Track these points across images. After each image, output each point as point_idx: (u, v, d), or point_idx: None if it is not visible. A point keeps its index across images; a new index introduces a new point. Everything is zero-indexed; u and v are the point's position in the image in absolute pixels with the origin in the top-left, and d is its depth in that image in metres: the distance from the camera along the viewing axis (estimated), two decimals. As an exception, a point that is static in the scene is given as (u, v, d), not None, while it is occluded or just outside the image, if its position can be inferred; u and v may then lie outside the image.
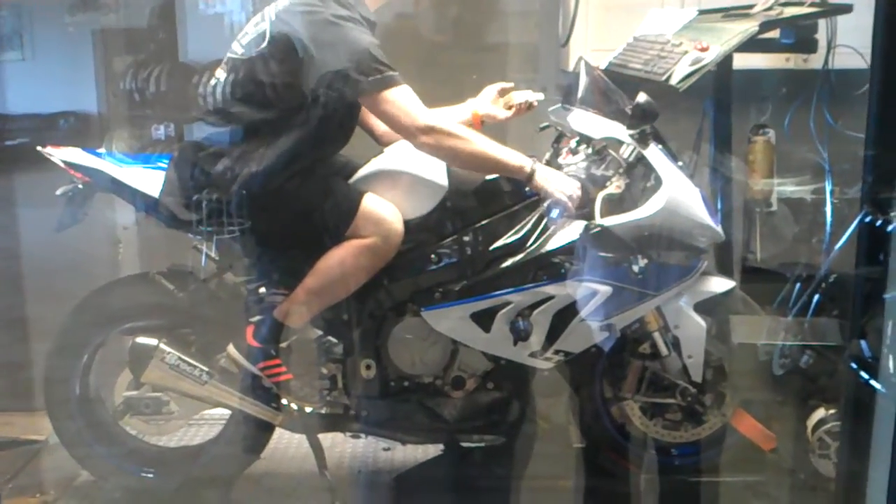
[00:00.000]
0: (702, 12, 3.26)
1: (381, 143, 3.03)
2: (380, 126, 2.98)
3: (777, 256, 3.71)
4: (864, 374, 3.02)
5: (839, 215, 3.36)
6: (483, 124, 2.99)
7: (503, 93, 3.02)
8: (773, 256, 3.74)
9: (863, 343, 3.14)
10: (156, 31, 4.31)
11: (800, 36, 3.19)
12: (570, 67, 3.70)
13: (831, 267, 3.29)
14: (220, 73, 2.82)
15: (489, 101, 3.01)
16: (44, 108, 4.15)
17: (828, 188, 3.29)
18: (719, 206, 3.28)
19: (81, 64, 4.20)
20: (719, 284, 2.88)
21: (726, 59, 3.05)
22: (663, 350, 2.89)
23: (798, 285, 3.32)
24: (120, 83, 4.18)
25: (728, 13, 3.20)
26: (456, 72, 3.96)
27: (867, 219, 3.43)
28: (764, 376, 3.00)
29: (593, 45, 3.61)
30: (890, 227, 3.35)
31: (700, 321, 2.86)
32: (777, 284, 3.34)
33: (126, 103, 4.19)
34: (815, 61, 3.46)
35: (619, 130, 2.72)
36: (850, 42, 3.16)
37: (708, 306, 2.88)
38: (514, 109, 2.99)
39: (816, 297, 3.29)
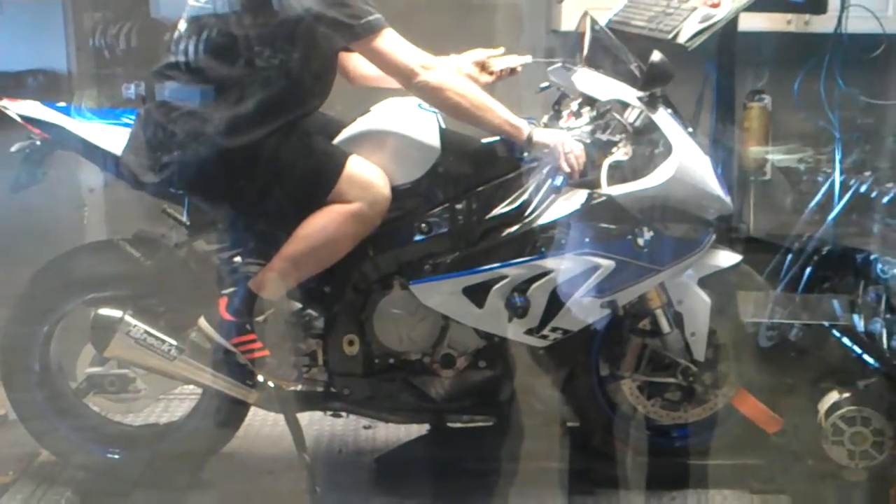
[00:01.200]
0: (710, -35, 2.95)
1: (354, 84, 2.74)
2: (356, 67, 2.70)
3: (771, 226, 3.47)
4: (856, 349, 2.80)
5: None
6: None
7: (488, 58, 2.72)
8: (766, 226, 3.51)
9: (854, 317, 2.91)
10: (126, -15, 3.96)
11: (812, -6, 2.90)
12: (563, 27, 3.42)
13: (826, 238, 3.05)
14: (182, 25, 2.51)
15: (471, 62, 2.70)
16: (12, 65, 3.79)
17: (837, 156, 3.02)
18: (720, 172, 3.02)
19: (51, 20, 3.85)
20: (725, 258, 2.61)
21: (732, 19, 2.75)
22: (665, 327, 2.63)
23: (790, 256, 3.09)
24: (89, 40, 3.88)
25: (739, -34, 2.90)
26: (437, 32, 3.65)
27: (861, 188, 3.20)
28: (769, 356, 2.73)
29: (589, 2, 3.29)
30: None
31: (705, 297, 2.60)
32: (769, 255, 3.09)
33: (96, 61, 3.89)
34: (817, 24, 3.20)
35: (628, 92, 2.43)
36: (863, 3, 2.91)
37: (712, 281, 2.61)
38: (494, 76, 2.70)
39: (809, 269, 3.05)
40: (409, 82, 2.40)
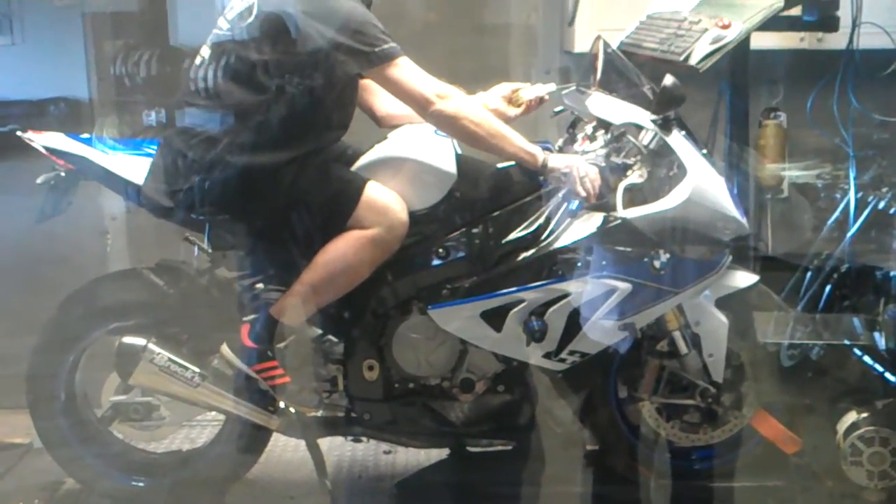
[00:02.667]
0: (721, -14, 2.98)
1: (381, 125, 2.78)
2: (382, 107, 2.75)
3: (789, 244, 3.48)
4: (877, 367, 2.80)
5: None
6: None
7: (514, 91, 2.75)
8: (785, 244, 3.51)
9: (876, 335, 2.92)
10: (146, 14, 4.06)
11: (822, 14, 2.92)
12: (576, 48, 3.45)
13: (845, 255, 3.06)
14: (206, 52, 2.57)
15: (499, 96, 2.73)
16: (34, 94, 3.86)
17: (852, 174, 3.03)
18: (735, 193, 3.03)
19: (72, 49, 3.93)
20: (742, 279, 2.62)
21: (744, 39, 2.78)
22: (683, 348, 2.64)
23: (810, 275, 3.10)
24: (110, 68, 3.95)
25: (748, -13, 2.93)
26: (455, 54, 3.71)
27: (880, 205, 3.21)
28: (788, 375, 2.74)
29: (601, 24, 3.33)
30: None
31: (722, 318, 2.62)
32: (789, 274, 3.10)
33: (117, 89, 3.96)
34: (830, 41, 3.21)
35: (642, 115, 2.46)
36: (875, 20, 2.92)
37: (730, 302, 2.62)
38: (523, 107, 2.73)
39: (828, 287, 3.06)
40: (425, 111, 2.44)
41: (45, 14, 3.89)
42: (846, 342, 2.72)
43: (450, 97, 2.44)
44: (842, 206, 3.22)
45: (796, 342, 2.72)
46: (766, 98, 3.66)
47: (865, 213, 3.16)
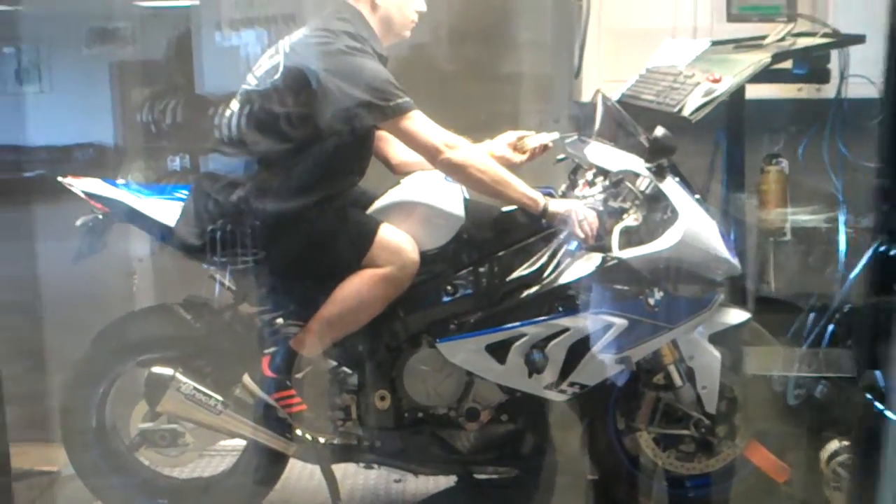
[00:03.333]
0: (714, 43, 3.24)
1: (395, 172, 3.03)
2: (396, 155, 2.99)
3: (792, 286, 3.69)
4: (878, 405, 2.99)
5: (854, 245, 3.34)
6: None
7: (520, 139, 3.01)
8: (787, 286, 3.72)
9: (876, 373, 3.11)
10: (172, 63, 4.33)
11: (812, 66, 3.17)
12: (583, 98, 3.72)
13: (846, 297, 3.26)
14: (235, 105, 2.83)
15: (505, 144, 2.99)
16: (62, 139, 4.15)
17: (841, 218, 3.26)
18: (733, 236, 3.26)
19: (99, 96, 4.21)
20: (734, 316, 2.85)
21: (739, 90, 3.03)
22: (677, 381, 2.85)
23: (812, 315, 3.30)
24: (137, 115, 4.19)
25: (740, 44, 3.19)
26: (471, 103, 3.97)
27: (881, 248, 3.42)
28: (778, 407, 2.95)
29: (606, 75, 3.60)
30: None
31: (715, 352, 2.83)
32: (792, 314, 3.31)
33: (143, 135, 4.20)
34: (829, 91, 3.45)
35: (637, 163, 2.71)
36: (863, 72, 3.15)
37: (723, 337, 2.84)
38: (528, 154, 2.98)
39: (831, 327, 3.26)
40: (435, 159, 2.69)
41: (73, 62, 4.16)
42: (836, 375, 2.92)
43: (458, 147, 2.68)
44: (843, 248, 3.44)
45: (784, 374, 2.93)
46: (768, 145, 3.91)
47: (867, 255, 3.38)
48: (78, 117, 4.18)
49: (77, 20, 4.13)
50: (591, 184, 2.83)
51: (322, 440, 2.87)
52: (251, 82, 2.80)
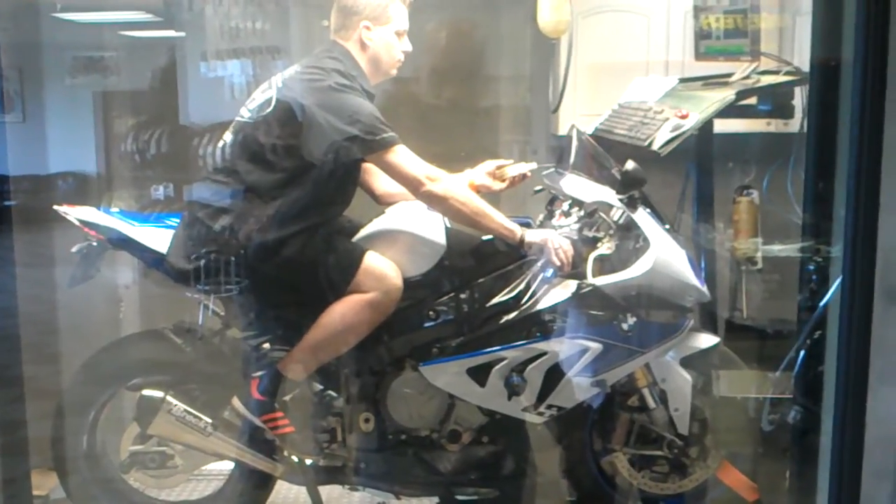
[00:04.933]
0: (682, 80, 3.46)
1: (379, 202, 3.20)
2: (380, 187, 3.16)
3: (763, 313, 3.87)
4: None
5: (823, 273, 3.52)
6: (479, 192, 3.13)
7: (499, 167, 3.20)
8: (759, 313, 3.91)
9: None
10: (156, 93, 4.48)
11: (777, 102, 3.39)
12: (561, 131, 3.92)
13: (816, 324, 3.44)
14: (228, 136, 3.00)
15: (485, 173, 3.18)
16: (43, 168, 4.24)
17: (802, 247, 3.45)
18: (703, 264, 3.46)
19: (81, 125, 4.35)
20: (705, 340, 3.03)
21: (707, 125, 3.24)
22: (651, 403, 3.03)
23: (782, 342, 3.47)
24: (121, 145, 4.32)
25: (707, 81, 3.41)
26: (454, 135, 4.15)
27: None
28: (750, 429, 3.13)
29: (581, 109, 3.81)
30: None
31: (686, 375, 3.00)
32: (764, 341, 3.49)
33: (126, 164, 4.32)
34: (796, 125, 3.67)
35: (610, 195, 2.90)
36: (826, 108, 3.36)
37: (694, 361, 3.03)
38: (507, 182, 3.17)
39: (802, 353, 3.44)
40: (417, 191, 2.86)
41: (55, 92, 4.34)
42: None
43: (439, 180, 2.85)
44: (814, 276, 3.63)
45: (753, 396, 3.11)
46: (740, 177, 4.13)
47: (836, 283, 3.57)
48: (60, 146, 4.30)
49: (60, 49, 4.28)
50: (567, 214, 3.02)
51: (308, 462, 3.01)
52: (244, 115, 2.97)
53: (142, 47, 4.59)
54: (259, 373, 2.97)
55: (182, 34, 4.41)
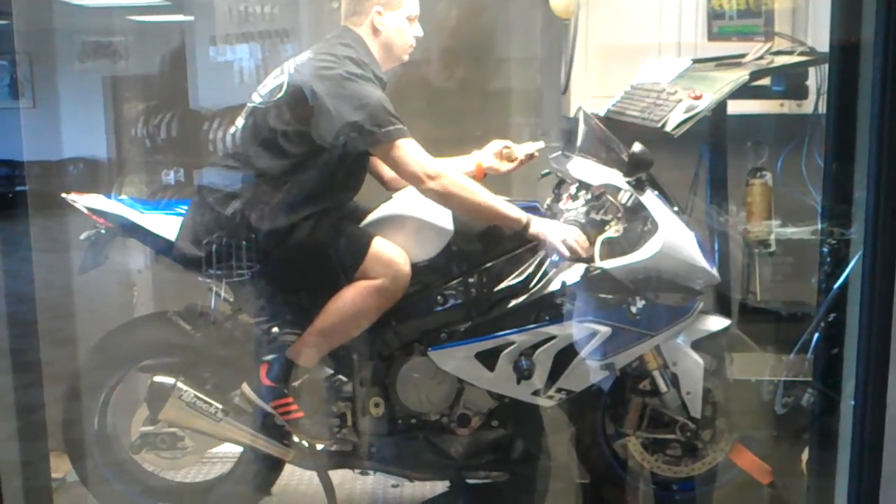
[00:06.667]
0: (696, 61, 3.47)
1: (388, 188, 3.24)
2: (387, 172, 3.19)
3: (777, 296, 3.89)
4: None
5: (839, 255, 3.54)
6: (486, 175, 3.21)
7: (506, 147, 3.24)
8: (773, 296, 3.93)
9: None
10: (166, 78, 4.51)
11: (790, 83, 3.40)
12: (571, 113, 3.94)
13: (831, 306, 3.46)
14: (240, 122, 3.05)
15: (493, 154, 3.22)
16: (53, 154, 4.26)
17: (820, 227, 3.46)
18: (717, 246, 3.48)
19: (91, 110, 4.38)
20: (715, 323, 3.06)
21: (720, 106, 3.25)
22: (662, 387, 3.06)
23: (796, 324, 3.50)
24: (131, 129, 4.36)
25: (721, 62, 3.41)
26: (464, 117, 4.19)
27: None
28: (761, 412, 3.17)
29: (594, 91, 3.83)
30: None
31: (697, 358, 3.04)
32: (777, 323, 3.52)
33: (136, 149, 4.37)
34: (810, 106, 3.68)
35: (617, 177, 2.93)
36: (840, 88, 3.37)
37: (705, 344, 3.06)
38: (515, 162, 3.21)
39: (816, 335, 3.46)
40: (419, 187, 2.89)
41: (65, 77, 4.38)
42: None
43: (441, 177, 2.86)
44: (828, 259, 3.65)
45: (765, 379, 3.14)
46: (753, 159, 4.14)
47: (851, 265, 3.58)
48: (70, 132, 4.32)
49: (70, 34, 4.31)
50: (575, 197, 3.05)
51: (319, 447, 3.07)
52: (256, 100, 3.01)
53: (151, 32, 4.63)
54: (268, 358, 3.03)
55: (191, 18, 4.45)
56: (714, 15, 3.54)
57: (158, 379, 3.05)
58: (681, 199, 3.37)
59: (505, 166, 3.21)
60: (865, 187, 2.28)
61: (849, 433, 2.36)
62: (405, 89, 3.72)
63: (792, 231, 3.86)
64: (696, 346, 3.06)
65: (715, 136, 3.43)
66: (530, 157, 3.23)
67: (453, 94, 4.33)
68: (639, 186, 2.90)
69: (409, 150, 2.87)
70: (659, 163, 3.09)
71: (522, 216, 2.92)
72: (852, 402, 2.34)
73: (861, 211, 2.39)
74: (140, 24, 4.58)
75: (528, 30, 4.33)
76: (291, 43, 4.17)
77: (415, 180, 2.90)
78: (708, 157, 3.47)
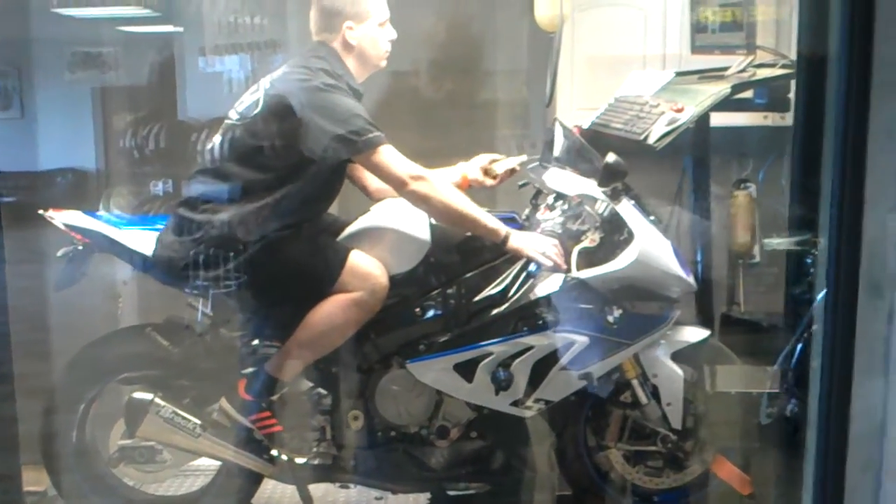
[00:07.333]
0: (679, 74, 3.51)
1: (372, 198, 3.26)
2: (371, 183, 3.23)
3: (761, 307, 3.92)
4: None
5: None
6: (471, 187, 3.23)
7: (492, 161, 3.27)
8: (757, 307, 3.95)
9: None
10: (155, 89, 4.54)
11: (773, 96, 3.43)
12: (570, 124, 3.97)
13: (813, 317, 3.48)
14: (217, 138, 3.07)
15: (478, 167, 3.25)
16: (42, 165, 4.31)
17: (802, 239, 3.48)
18: (700, 257, 3.51)
19: (80, 121, 4.40)
20: (694, 334, 3.09)
21: (703, 118, 3.28)
22: (643, 398, 3.08)
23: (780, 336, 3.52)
24: (119, 140, 4.39)
25: (704, 75, 3.45)
26: (451, 131, 4.22)
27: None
28: (742, 423, 3.18)
29: (579, 103, 3.86)
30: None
31: (677, 370, 3.06)
32: (761, 335, 3.54)
33: (124, 160, 4.39)
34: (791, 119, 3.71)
35: (592, 187, 2.96)
36: (821, 100, 3.40)
37: (685, 355, 3.08)
38: (498, 178, 3.24)
39: (799, 346, 3.48)
40: (401, 191, 2.92)
41: (54, 88, 4.42)
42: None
43: (423, 180, 2.89)
44: (812, 269, 3.67)
45: (748, 391, 3.16)
46: (738, 170, 4.17)
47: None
48: (58, 143, 4.35)
49: (60, 45, 4.35)
50: (552, 208, 3.08)
51: (299, 460, 3.08)
52: (233, 116, 3.04)
53: (140, 42, 4.66)
54: (247, 372, 3.04)
55: (180, 29, 4.48)
56: (697, 28, 3.58)
57: (136, 395, 3.06)
58: (662, 210, 3.40)
59: (489, 181, 3.24)
60: (829, 199, 2.30)
61: (813, 447, 2.38)
62: (390, 101, 3.75)
63: (777, 242, 3.89)
64: (677, 356, 3.08)
65: (698, 148, 3.46)
66: (511, 171, 3.26)
67: (440, 106, 4.36)
68: (614, 196, 2.93)
69: (389, 155, 2.90)
70: (642, 174, 3.13)
71: (501, 228, 2.94)
72: (816, 415, 2.36)
73: (825, 221, 2.42)
74: (129, 34, 4.61)
75: (514, 42, 4.36)
76: (280, 53, 4.20)
77: (398, 183, 2.92)
78: (691, 169, 3.50)
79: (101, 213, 3.23)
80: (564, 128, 3.14)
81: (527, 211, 3.18)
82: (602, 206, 2.93)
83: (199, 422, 3.06)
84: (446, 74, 4.52)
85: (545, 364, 2.97)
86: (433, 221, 3.05)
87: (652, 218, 3.00)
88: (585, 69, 3.95)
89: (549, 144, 3.16)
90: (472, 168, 3.25)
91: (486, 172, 3.25)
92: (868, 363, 2.34)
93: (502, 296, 2.99)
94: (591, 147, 3.14)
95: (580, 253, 2.90)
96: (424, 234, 3.03)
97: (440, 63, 4.52)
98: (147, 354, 3.15)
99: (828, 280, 2.40)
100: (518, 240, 2.94)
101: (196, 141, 4.16)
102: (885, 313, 2.28)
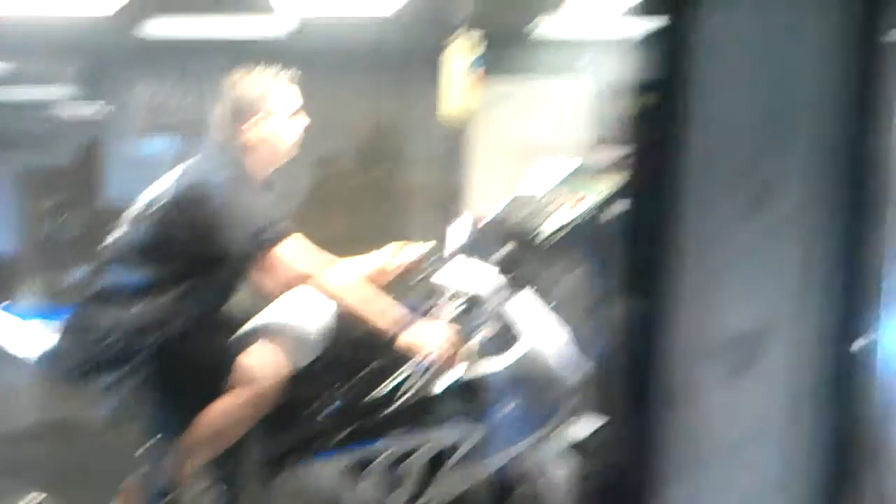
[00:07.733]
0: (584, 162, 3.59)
1: (271, 293, 3.23)
2: (270, 278, 3.25)
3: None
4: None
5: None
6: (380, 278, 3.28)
7: (400, 249, 3.33)
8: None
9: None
10: (75, 174, 4.57)
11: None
12: (464, 214, 4.04)
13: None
14: (118, 231, 3.10)
15: (388, 256, 3.32)
16: None
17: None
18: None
19: None
20: (585, 428, 3.12)
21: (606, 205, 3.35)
22: (539, 491, 3.10)
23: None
24: (40, 225, 4.44)
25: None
26: (367, 218, 4.28)
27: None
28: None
29: (494, 192, 3.92)
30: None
31: (569, 464, 3.08)
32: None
33: (41, 246, 4.44)
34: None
35: (487, 282, 3.02)
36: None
37: (579, 448, 3.10)
38: (402, 269, 3.31)
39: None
40: (305, 284, 2.97)
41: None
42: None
43: (325, 274, 2.95)
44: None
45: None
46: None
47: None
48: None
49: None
50: (451, 300, 3.11)
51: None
52: (137, 209, 3.08)
53: (65, 124, 4.68)
54: (144, 471, 3.03)
55: (109, 109, 4.51)
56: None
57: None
58: (570, 295, 3.44)
59: (394, 271, 3.31)
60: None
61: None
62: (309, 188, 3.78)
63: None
64: (572, 449, 3.11)
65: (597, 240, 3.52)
66: (418, 262, 3.31)
67: (358, 194, 4.43)
68: (510, 288, 2.98)
69: (294, 248, 2.94)
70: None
71: (390, 328, 2.97)
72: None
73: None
74: (52, 116, 4.63)
75: (430, 133, 4.46)
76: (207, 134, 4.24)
77: (301, 278, 2.96)
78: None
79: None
80: (469, 219, 3.21)
81: (427, 303, 3.22)
82: (493, 303, 2.98)
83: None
84: (365, 163, 4.61)
85: (438, 460, 2.98)
86: (334, 315, 3.08)
87: (553, 304, 3.05)
88: (497, 158, 4.04)
89: (454, 236, 3.22)
90: (382, 257, 3.31)
91: (389, 263, 3.30)
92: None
93: (395, 392, 3.01)
94: (494, 238, 3.21)
95: (473, 347, 2.94)
96: (321, 330, 3.06)
97: (358, 152, 4.61)
98: (40, 454, 3.11)
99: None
100: (409, 337, 2.97)
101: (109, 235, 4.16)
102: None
